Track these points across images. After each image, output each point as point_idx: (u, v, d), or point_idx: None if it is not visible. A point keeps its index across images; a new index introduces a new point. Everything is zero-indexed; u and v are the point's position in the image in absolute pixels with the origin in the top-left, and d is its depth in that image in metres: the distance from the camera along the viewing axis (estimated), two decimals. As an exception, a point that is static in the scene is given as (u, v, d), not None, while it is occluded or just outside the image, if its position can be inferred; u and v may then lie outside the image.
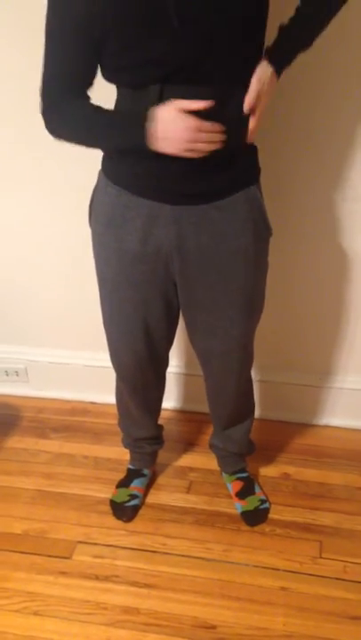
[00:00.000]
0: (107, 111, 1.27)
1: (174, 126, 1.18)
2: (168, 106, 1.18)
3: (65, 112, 1.29)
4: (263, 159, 1.42)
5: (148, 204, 1.33)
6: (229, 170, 1.30)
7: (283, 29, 1.27)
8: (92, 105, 1.29)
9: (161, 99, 1.19)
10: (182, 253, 1.38)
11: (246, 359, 1.60)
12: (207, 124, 1.19)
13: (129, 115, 1.25)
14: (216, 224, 1.34)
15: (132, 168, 1.31)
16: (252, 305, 1.49)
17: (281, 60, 1.27)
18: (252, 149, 1.37)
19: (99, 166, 1.45)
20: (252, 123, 1.25)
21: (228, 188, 1.33)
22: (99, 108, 1.27)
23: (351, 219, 1.79)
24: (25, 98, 1.74)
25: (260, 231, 1.40)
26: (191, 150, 1.20)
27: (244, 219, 1.36)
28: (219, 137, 1.21)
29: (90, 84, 1.29)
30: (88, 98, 1.31)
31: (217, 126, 1.20)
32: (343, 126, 1.66)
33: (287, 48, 1.28)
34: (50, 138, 1.73)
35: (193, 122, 1.17)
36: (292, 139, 1.68)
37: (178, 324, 1.58)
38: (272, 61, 1.24)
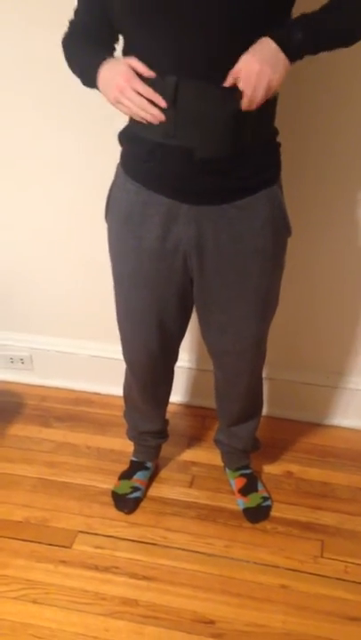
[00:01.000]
0: (91, 50, 1.29)
1: (113, 73, 1.19)
2: (122, 59, 1.19)
3: (73, 45, 1.33)
4: (285, 156, 1.40)
5: (168, 202, 1.32)
6: (250, 168, 1.28)
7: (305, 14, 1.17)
8: (93, 45, 1.31)
9: (176, 93, 1.17)
10: (201, 252, 1.36)
11: (259, 358, 1.60)
12: (140, 85, 1.16)
13: (94, 57, 1.26)
14: (235, 223, 1.33)
15: (153, 165, 1.30)
16: (268, 304, 1.48)
17: (291, 41, 1.14)
18: (274, 147, 1.34)
19: (109, 160, 1.44)
20: (244, 102, 1.16)
21: (248, 187, 1.31)
22: (93, 47, 1.30)
23: None
24: (39, 92, 1.74)
25: (280, 231, 1.39)
26: (121, 103, 1.19)
27: (265, 218, 1.34)
28: (151, 108, 1.17)
29: (110, 40, 1.31)
30: (108, 43, 1.32)
31: (152, 94, 1.16)
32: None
33: (305, 27, 1.15)
34: (61, 131, 1.73)
35: (127, 71, 1.16)
36: (315, 136, 1.66)
37: (190, 318, 1.57)
38: (281, 38, 1.13)
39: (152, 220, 1.35)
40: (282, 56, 1.14)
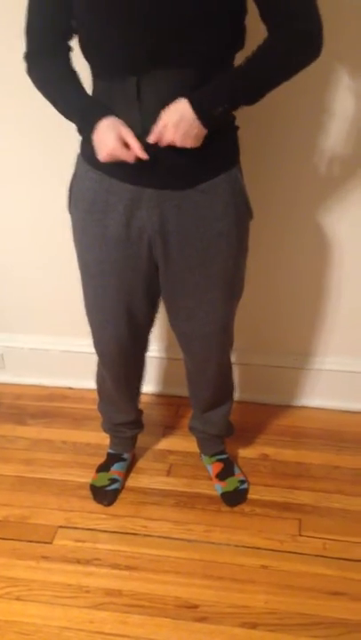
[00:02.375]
0: (75, 91, 1.31)
1: (104, 139, 1.24)
2: (111, 125, 1.23)
3: (44, 70, 1.34)
4: (244, 140, 1.41)
5: (131, 188, 1.33)
6: (210, 152, 1.29)
7: (219, 77, 1.23)
8: (67, 74, 1.33)
9: (138, 89, 1.22)
10: (165, 237, 1.37)
11: (226, 342, 1.61)
12: (124, 156, 1.23)
13: (86, 110, 1.29)
14: (198, 207, 1.34)
15: None
16: (233, 288, 1.49)
17: (202, 103, 1.20)
18: (233, 130, 1.36)
19: (69, 151, 1.43)
20: (154, 135, 1.23)
21: (209, 170, 1.33)
22: (71, 82, 1.32)
23: (331, 201, 1.80)
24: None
25: (242, 214, 1.40)
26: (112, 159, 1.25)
27: (226, 201, 1.35)
28: (135, 158, 1.23)
29: (69, 35, 1.31)
30: (68, 51, 1.34)
31: (140, 153, 1.22)
32: (330, 109, 1.66)
33: (214, 93, 1.22)
34: (26, 122, 1.71)
35: (114, 144, 1.22)
36: (276, 120, 1.67)
37: (159, 306, 1.58)
38: (191, 100, 1.20)
39: (115, 208, 1.35)
40: (199, 126, 1.21)
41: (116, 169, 1.32)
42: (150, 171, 1.29)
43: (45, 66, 1.34)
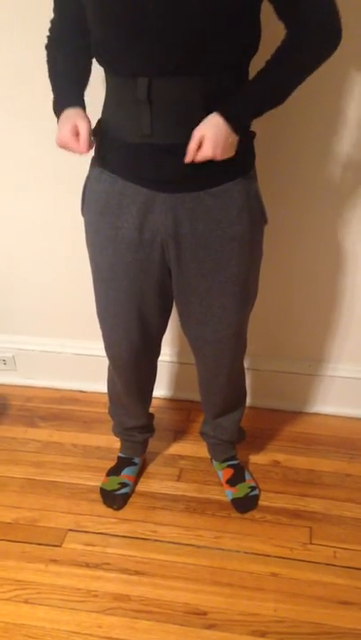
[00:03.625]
0: (62, 79, 1.35)
1: (62, 125, 1.27)
2: (71, 115, 1.26)
3: (51, 55, 1.38)
4: (260, 146, 1.41)
5: (144, 191, 1.32)
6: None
7: (246, 83, 1.26)
8: (66, 63, 1.36)
9: (149, 90, 1.22)
10: (178, 240, 1.37)
11: (239, 348, 1.60)
12: (75, 145, 1.25)
13: (60, 97, 1.33)
14: (211, 211, 1.34)
15: (127, 156, 1.31)
16: (246, 293, 1.48)
17: (235, 113, 1.23)
18: (249, 136, 1.35)
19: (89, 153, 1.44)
20: (190, 154, 1.23)
21: (223, 175, 1.32)
22: (63, 71, 1.35)
23: (346, 207, 1.79)
24: (19, 89, 1.73)
25: (256, 219, 1.40)
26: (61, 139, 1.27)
27: (240, 206, 1.35)
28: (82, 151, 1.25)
29: (84, 30, 1.32)
30: (83, 49, 1.34)
31: (84, 148, 1.24)
32: (345, 117, 1.65)
33: (244, 101, 1.24)
34: (41, 126, 1.72)
35: (66, 132, 1.25)
36: (291, 126, 1.67)
37: (171, 311, 1.58)
38: (222, 112, 1.22)
39: (129, 210, 1.35)
40: (233, 136, 1.23)
41: (130, 171, 1.32)
42: (165, 174, 1.29)
43: (53, 54, 1.37)
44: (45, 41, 1.39)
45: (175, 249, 1.38)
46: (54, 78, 1.36)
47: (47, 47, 1.39)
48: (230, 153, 1.25)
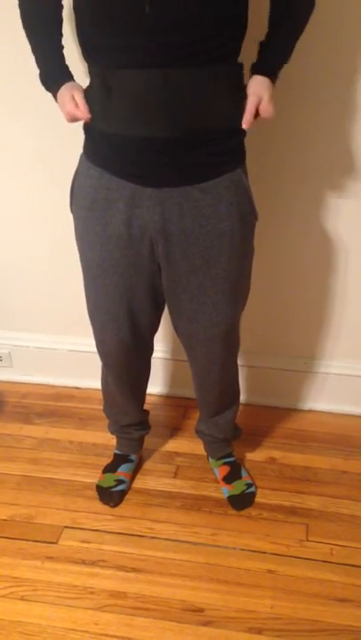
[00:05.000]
0: (49, 53, 1.37)
1: (63, 99, 1.32)
2: (68, 88, 1.32)
3: (29, 17, 1.38)
4: (250, 142, 1.40)
5: (131, 186, 1.32)
6: (213, 151, 1.29)
7: (262, 44, 1.34)
8: (50, 36, 1.37)
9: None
10: (166, 236, 1.36)
11: (231, 345, 1.59)
12: (75, 113, 1.29)
13: (54, 72, 1.36)
14: (200, 207, 1.33)
15: (114, 150, 1.30)
16: (237, 290, 1.47)
17: (270, 69, 1.33)
18: (239, 132, 1.34)
19: (79, 149, 1.43)
20: (250, 118, 1.29)
21: (212, 170, 1.32)
22: (48, 42, 1.37)
23: (337, 205, 1.79)
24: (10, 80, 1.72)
25: (246, 215, 1.39)
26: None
27: (229, 202, 1.34)
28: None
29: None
30: (59, 16, 1.39)
31: (84, 113, 1.29)
32: (333, 112, 1.65)
33: (271, 56, 1.34)
34: (29, 119, 1.70)
35: (70, 106, 1.29)
36: (280, 123, 1.66)
37: (163, 309, 1.57)
38: (264, 73, 1.32)
39: (116, 206, 1.34)
40: (271, 86, 1.33)
41: (117, 166, 1.31)
42: (151, 168, 1.29)
43: (31, 16, 1.38)
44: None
45: (164, 245, 1.37)
46: (41, 51, 1.38)
47: (24, 15, 1.39)
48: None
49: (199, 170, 1.31)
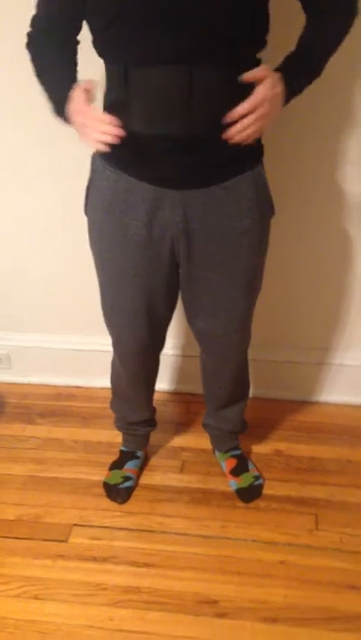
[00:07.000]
0: (57, 77, 1.28)
1: (72, 107, 1.20)
2: (78, 86, 1.20)
3: (38, 50, 1.31)
4: (265, 137, 1.40)
5: (152, 188, 1.30)
6: (237, 150, 1.26)
7: (291, 54, 1.27)
8: (58, 61, 1.30)
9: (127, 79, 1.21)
10: (188, 236, 1.35)
11: (246, 339, 1.61)
12: (91, 114, 1.16)
13: (60, 90, 1.24)
14: (222, 205, 1.33)
15: (134, 152, 1.26)
16: (254, 285, 1.49)
17: (291, 80, 1.23)
18: None
19: (89, 151, 1.41)
20: (239, 126, 1.18)
21: (235, 168, 1.32)
22: (58, 70, 1.29)
23: (352, 196, 1.80)
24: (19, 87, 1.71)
25: (265, 211, 1.40)
26: (86, 136, 1.19)
27: (250, 199, 1.35)
28: (109, 130, 1.15)
29: (74, 29, 1.31)
30: (70, 43, 1.32)
31: (103, 117, 1.15)
32: (350, 108, 1.66)
33: (298, 69, 1.26)
34: (38, 122, 1.69)
35: (81, 105, 1.17)
36: (295, 117, 1.66)
37: (177, 305, 1.57)
38: (283, 79, 1.21)
39: (136, 208, 1.33)
40: (281, 99, 1.22)
41: (137, 168, 1.30)
42: (173, 171, 1.27)
43: (42, 52, 1.31)
44: (25, 39, 1.33)
45: (185, 244, 1.37)
46: (50, 80, 1.29)
47: (31, 45, 1.33)
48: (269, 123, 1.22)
49: (223, 170, 1.30)
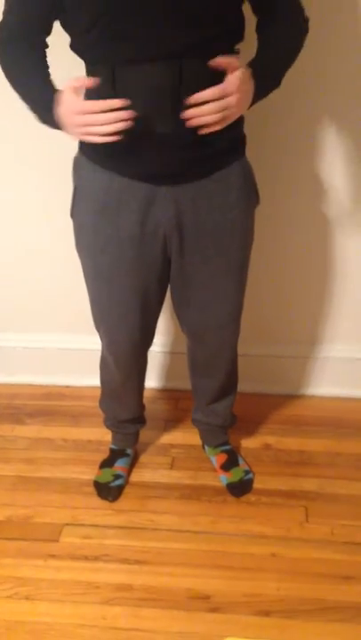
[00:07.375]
0: (38, 82, 1.24)
1: (66, 110, 1.17)
2: (65, 86, 1.16)
3: (12, 58, 1.27)
4: (247, 127, 1.40)
5: (145, 185, 1.30)
6: (220, 142, 1.27)
7: (255, 61, 1.25)
8: (34, 66, 1.26)
9: (115, 79, 1.19)
10: (180, 231, 1.35)
11: (237, 331, 1.61)
12: (93, 105, 1.13)
13: (44, 95, 1.21)
14: (212, 197, 1.33)
15: (123, 152, 1.25)
16: (244, 277, 1.49)
17: (259, 83, 1.21)
18: (241, 119, 1.34)
19: (68, 154, 1.40)
20: (199, 110, 1.14)
21: (225, 159, 1.32)
22: (36, 75, 1.25)
23: (336, 189, 1.80)
24: None
25: (252, 201, 1.41)
26: (91, 134, 1.16)
27: (239, 188, 1.35)
28: (121, 115, 1.12)
29: (47, 32, 1.29)
30: (43, 46, 1.30)
31: (112, 103, 1.12)
32: (326, 99, 1.67)
33: (267, 71, 1.25)
34: (27, 124, 1.67)
35: (78, 105, 1.14)
36: (277, 107, 1.65)
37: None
38: (255, 75, 1.20)
39: (129, 207, 1.32)
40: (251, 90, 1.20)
41: (129, 166, 1.29)
42: (165, 166, 1.27)
43: (14, 56, 1.27)
44: None
45: (178, 239, 1.37)
46: (31, 87, 1.26)
47: (2, 53, 1.28)
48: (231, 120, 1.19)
49: (213, 162, 1.30)
